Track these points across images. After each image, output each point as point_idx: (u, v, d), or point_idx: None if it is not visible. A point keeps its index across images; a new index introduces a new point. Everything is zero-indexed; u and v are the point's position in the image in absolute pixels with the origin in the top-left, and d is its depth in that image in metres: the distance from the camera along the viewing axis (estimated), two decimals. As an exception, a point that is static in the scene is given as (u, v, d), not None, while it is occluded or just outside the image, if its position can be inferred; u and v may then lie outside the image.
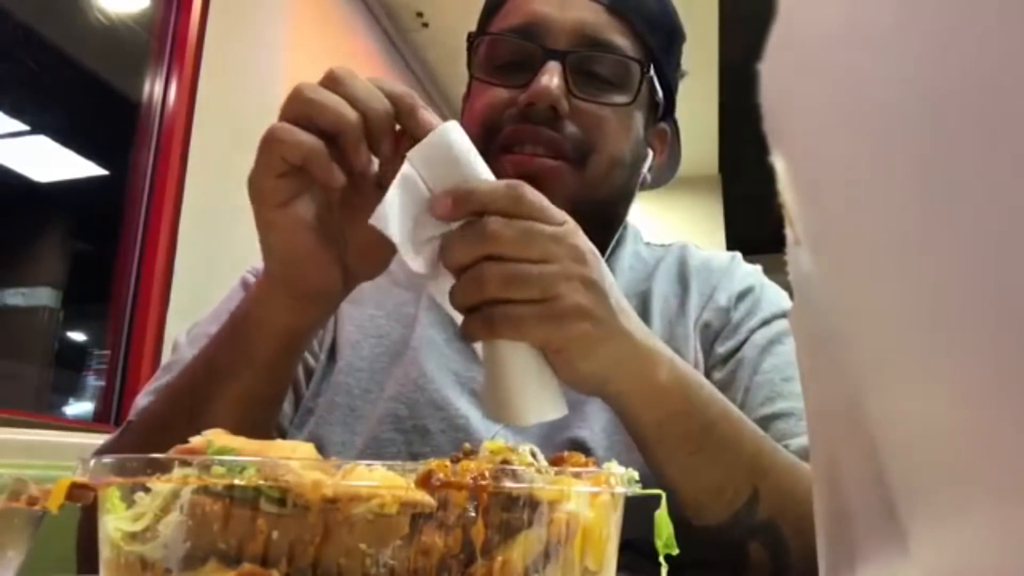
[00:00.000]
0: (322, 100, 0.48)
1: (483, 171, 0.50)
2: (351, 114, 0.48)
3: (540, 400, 0.49)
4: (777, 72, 0.19)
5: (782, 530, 0.55)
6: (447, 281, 0.49)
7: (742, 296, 0.76)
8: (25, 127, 2.32)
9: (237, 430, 0.54)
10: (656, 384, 0.52)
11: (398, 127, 0.51)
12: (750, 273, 0.80)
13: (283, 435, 0.69)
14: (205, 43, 2.35)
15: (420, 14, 3.53)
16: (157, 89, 2.29)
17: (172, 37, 2.33)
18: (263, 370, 0.55)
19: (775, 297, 0.77)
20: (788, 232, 0.21)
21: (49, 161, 2.44)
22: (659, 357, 0.53)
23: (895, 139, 0.16)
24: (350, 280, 0.56)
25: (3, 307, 2.42)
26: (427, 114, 0.51)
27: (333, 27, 3.09)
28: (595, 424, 0.68)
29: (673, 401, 0.53)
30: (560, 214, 0.50)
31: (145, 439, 0.58)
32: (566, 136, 0.68)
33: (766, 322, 0.73)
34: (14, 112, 2.23)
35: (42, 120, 2.35)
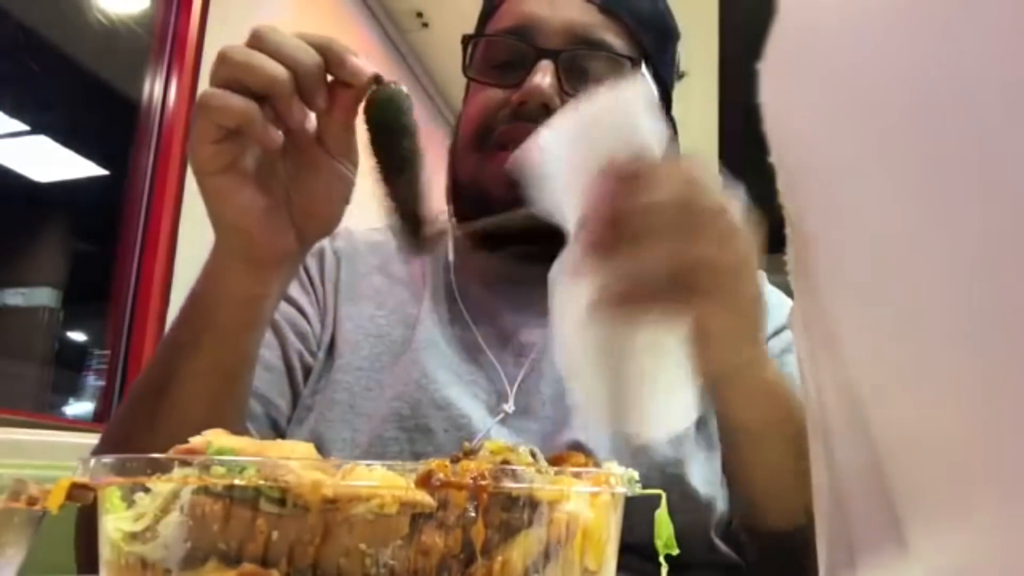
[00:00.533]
0: (249, 61, 0.48)
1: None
2: (280, 72, 0.48)
3: (678, 405, 0.44)
4: (777, 72, 0.19)
5: None
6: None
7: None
8: (25, 127, 2.32)
9: (206, 405, 0.55)
10: (767, 383, 0.52)
11: (330, 78, 0.51)
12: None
13: (280, 434, 0.69)
14: (205, 43, 2.35)
15: (420, 14, 3.53)
16: (157, 89, 2.29)
17: (172, 37, 2.33)
18: (225, 341, 0.55)
19: (781, 303, 0.78)
20: (788, 232, 0.21)
21: (49, 161, 2.44)
22: (768, 357, 0.52)
23: (894, 138, 0.16)
24: (304, 240, 0.56)
25: (3, 307, 2.42)
26: (357, 62, 0.50)
27: (333, 27, 3.09)
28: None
29: (778, 402, 0.53)
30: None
31: (128, 423, 0.59)
32: None
33: (778, 332, 0.74)
34: (14, 112, 2.23)
35: (42, 120, 2.35)
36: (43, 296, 2.44)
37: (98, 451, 0.60)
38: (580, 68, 0.71)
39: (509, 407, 0.69)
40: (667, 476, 0.65)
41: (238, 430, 0.61)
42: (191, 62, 2.31)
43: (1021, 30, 0.14)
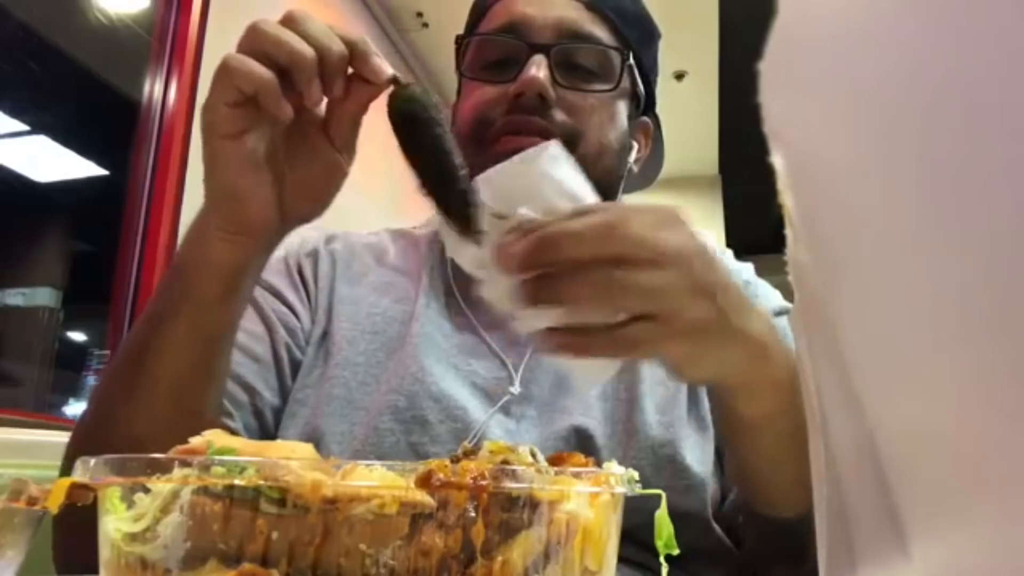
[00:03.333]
0: (279, 35, 0.50)
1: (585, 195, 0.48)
2: (307, 50, 0.50)
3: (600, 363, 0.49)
4: (777, 72, 0.19)
5: None
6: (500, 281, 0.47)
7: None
8: (25, 127, 2.32)
9: (182, 377, 0.56)
10: (767, 381, 0.51)
11: (350, 71, 0.53)
12: (741, 269, 0.83)
13: (263, 423, 0.70)
14: (205, 43, 2.35)
15: (420, 14, 3.53)
16: (157, 89, 2.29)
17: (172, 37, 2.33)
18: (203, 309, 0.56)
19: (768, 294, 0.80)
20: (788, 232, 0.21)
21: (49, 161, 2.44)
22: (773, 352, 0.51)
23: (895, 138, 0.16)
24: (287, 221, 0.58)
25: (3, 307, 2.41)
26: (380, 61, 0.53)
27: (333, 27, 3.09)
28: (597, 412, 0.70)
29: (780, 398, 0.52)
30: (656, 215, 0.47)
31: (106, 399, 0.59)
32: (555, 123, 0.71)
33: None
34: (14, 112, 2.23)
35: (42, 120, 2.35)
36: (43, 296, 2.43)
37: (77, 431, 0.61)
38: (571, 61, 0.74)
39: (515, 388, 0.71)
40: (659, 456, 0.67)
41: (215, 413, 0.61)
42: (191, 62, 2.31)
43: (1023, 31, 0.14)
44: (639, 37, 0.78)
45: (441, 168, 0.51)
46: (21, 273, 2.44)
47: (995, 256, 0.15)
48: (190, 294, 0.56)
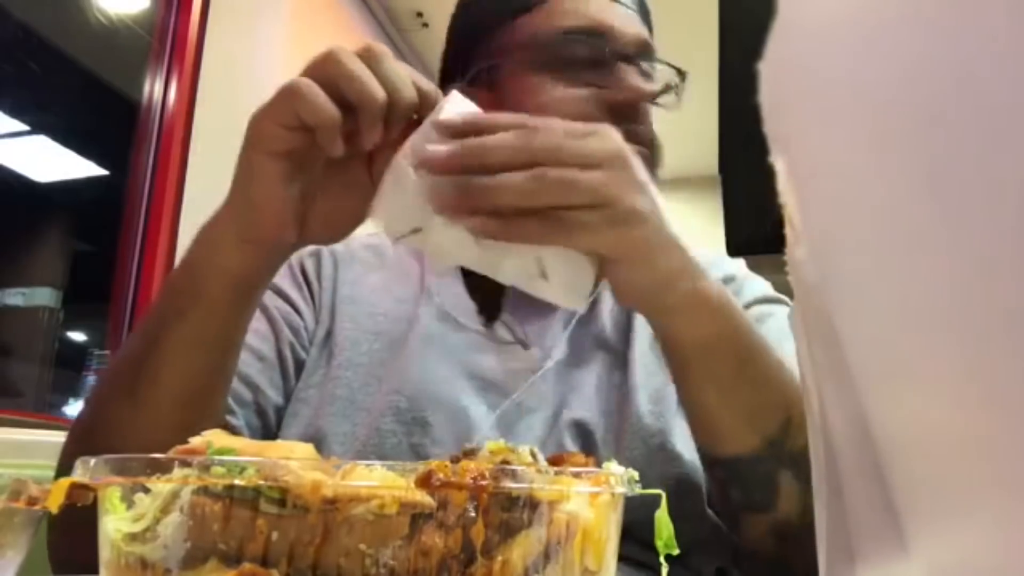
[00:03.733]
0: (355, 70, 0.49)
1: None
2: (379, 93, 0.49)
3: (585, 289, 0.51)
4: (777, 72, 0.19)
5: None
6: (439, 232, 0.50)
7: (723, 284, 0.79)
8: (25, 127, 2.32)
9: (187, 381, 0.56)
10: (706, 300, 0.52)
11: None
12: (731, 264, 0.84)
13: (266, 422, 0.70)
14: (205, 43, 2.35)
15: (420, 14, 3.53)
16: (157, 89, 2.29)
17: (172, 37, 2.33)
18: (211, 315, 0.55)
19: (756, 286, 0.81)
20: (788, 232, 0.21)
21: (49, 161, 2.44)
22: (706, 273, 0.53)
23: (896, 138, 0.16)
24: (304, 240, 0.57)
25: (3, 307, 2.41)
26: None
27: (333, 27, 3.09)
28: (595, 406, 0.70)
29: (720, 320, 0.53)
30: (582, 125, 0.50)
31: (106, 400, 0.59)
32: (645, 131, 0.72)
33: (747, 306, 0.76)
34: (14, 112, 2.23)
35: (42, 120, 2.35)
36: (43, 296, 2.43)
37: (74, 434, 0.60)
38: (646, 75, 0.75)
39: (520, 384, 0.71)
40: (650, 446, 0.67)
41: (218, 419, 0.61)
42: (191, 62, 2.31)
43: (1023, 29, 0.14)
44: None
45: None
46: (21, 273, 2.44)
47: (997, 255, 0.15)
48: (199, 297, 0.55)
